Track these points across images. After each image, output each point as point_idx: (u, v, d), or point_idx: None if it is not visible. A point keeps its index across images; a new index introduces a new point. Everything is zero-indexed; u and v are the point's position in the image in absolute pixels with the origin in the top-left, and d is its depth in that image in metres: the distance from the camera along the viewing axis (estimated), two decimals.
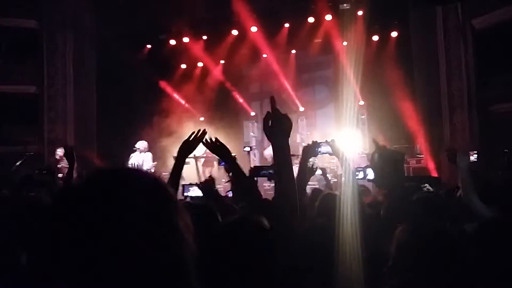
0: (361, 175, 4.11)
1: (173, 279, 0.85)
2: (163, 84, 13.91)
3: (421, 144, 11.53)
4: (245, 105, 14.86)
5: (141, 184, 0.90)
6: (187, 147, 2.83)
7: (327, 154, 3.73)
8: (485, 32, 10.90)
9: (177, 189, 2.87)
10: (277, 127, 2.10)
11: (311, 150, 3.50)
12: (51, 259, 0.83)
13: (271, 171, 3.66)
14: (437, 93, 11.68)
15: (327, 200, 2.91)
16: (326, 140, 3.53)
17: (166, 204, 0.89)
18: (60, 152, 9.61)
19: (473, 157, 5.27)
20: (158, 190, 0.91)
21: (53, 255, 0.82)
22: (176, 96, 14.03)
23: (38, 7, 12.59)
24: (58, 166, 9.23)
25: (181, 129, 12.89)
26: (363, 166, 5.19)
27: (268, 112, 2.12)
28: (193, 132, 2.83)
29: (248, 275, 1.56)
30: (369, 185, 7.54)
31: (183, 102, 14.14)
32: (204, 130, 2.84)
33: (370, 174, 3.90)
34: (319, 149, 3.59)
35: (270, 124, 2.11)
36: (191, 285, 0.88)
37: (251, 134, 14.45)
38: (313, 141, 3.64)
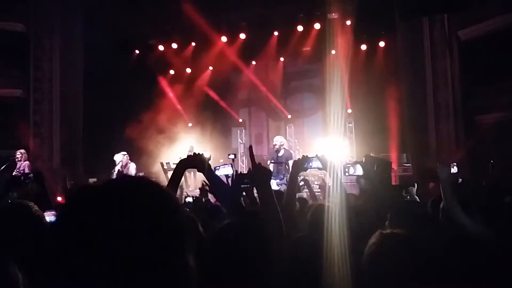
0: (351, 170, 4.13)
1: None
2: (151, 89, 13.86)
3: (408, 152, 11.63)
4: (233, 112, 14.89)
5: (149, 194, 0.88)
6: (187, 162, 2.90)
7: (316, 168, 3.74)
8: (471, 43, 11.08)
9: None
10: (259, 177, 2.45)
11: (300, 164, 3.51)
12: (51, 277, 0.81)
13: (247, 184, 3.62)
14: (423, 102, 11.81)
15: (319, 212, 2.91)
16: (317, 155, 3.54)
17: (172, 213, 0.88)
18: (19, 154, 9.95)
19: (454, 169, 5.32)
20: (163, 199, 0.90)
21: (53, 273, 0.80)
22: (164, 102, 13.98)
23: (26, 11, 12.48)
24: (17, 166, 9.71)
25: (169, 135, 12.87)
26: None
27: (249, 169, 2.60)
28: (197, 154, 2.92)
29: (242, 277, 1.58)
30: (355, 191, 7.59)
31: (171, 108, 14.09)
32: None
33: (359, 170, 3.92)
34: (310, 164, 3.59)
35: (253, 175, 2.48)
36: None
37: (239, 141, 14.47)
38: (303, 155, 3.64)
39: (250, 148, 2.56)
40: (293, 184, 3.41)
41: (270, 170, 2.47)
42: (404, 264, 1.75)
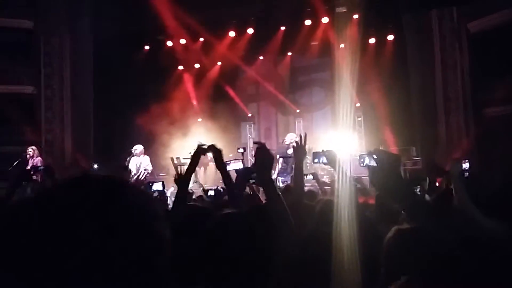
0: (366, 160, 4.15)
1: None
2: (161, 85, 13.92)
3: (417, 146, 11.61)
4: (243, 107, 14.91)
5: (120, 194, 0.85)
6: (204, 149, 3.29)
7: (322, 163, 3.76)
8: (480, 35, 11.00)
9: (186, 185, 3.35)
10: (260, 162, 2.39)
11: (300, 150, 3.46)
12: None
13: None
14: (432, 96, 11.76)
15: (327, 207, 2.94)
16: (323, 150, 3.55)
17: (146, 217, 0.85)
18: (30, 151, 10.10)
19: (466, 164, 5.31)
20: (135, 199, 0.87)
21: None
22: (174, 97, 14.03)
23: (34, 7, 12.59)
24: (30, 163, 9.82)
25: (179, 131, 12.93)
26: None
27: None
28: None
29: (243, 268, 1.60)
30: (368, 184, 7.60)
31: (181, 103, 14.14)
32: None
33: (373, 161, 3.92)
34: (321, 159, 3.62)
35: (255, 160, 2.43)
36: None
37: (248, 135, 14.50)
38: (300, 137, 3.56)
39: (259, 146, 2.45)
40: (299, 171, 3.36)
41: (272, 157, 2.40)
42: (421, 258, 1.78)
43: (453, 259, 1.86)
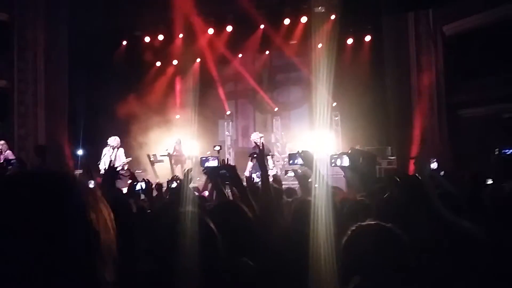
0: (338, 162, 4.21)
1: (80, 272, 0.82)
2: (138, 81, 13.80)
3: (393, 146, 11.78)
4: (220, 104, 14.87)
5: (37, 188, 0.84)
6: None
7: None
8: (455, 38, 11.23)
9: None
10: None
11: (261, 153, 3.66)
12: None
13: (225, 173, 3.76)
14: (408, 96, 11.95)
15: (302, 206, 2.97)
16: (298, 151, 3.60)
17: (67, 203, 0.85)
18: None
19: (434, 164, 5.41)
20: (58, 190, 0.86)
21: None
22: (151, 94, 13.91)
23: (9, 0, 12.28)
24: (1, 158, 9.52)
25: (155, 127, 12.84)
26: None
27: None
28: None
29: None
30: (343, 186, 7.67)
31: (158, 100, 14.03)
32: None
33: (345, 161, 4.00)
34: (296, 161, 3.68)
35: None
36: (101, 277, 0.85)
37: (226, 133, 14.49)
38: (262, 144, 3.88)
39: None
40: (264, 174, 3.49)
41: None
42: (375, 254, 1.79)
43: (408, 264, 1.85)
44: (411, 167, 11.11)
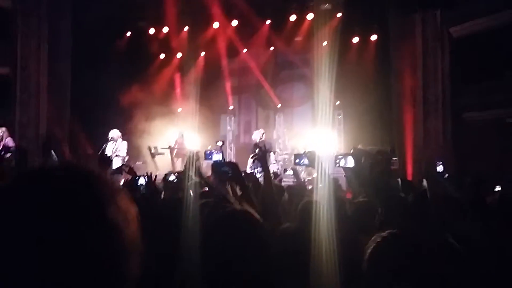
0: (342, 162, 4.17)
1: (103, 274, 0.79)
2: (141, 73, 13.73)
3: (394, 147, 11.71)
4: (223, 99, 14.81)
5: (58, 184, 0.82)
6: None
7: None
8: (462, 40, 11.14)
9: None
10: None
11: (263, 154, 3.66)
12: None
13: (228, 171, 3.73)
14: (412, 97, 11.88)
15: (306, 208, 2.92)
16: (305, 151, 3.59)
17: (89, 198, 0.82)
18: (0, 132, 9.73)
19: (440, 167, 5.35)
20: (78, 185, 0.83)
21: None
22: (154, 86, 13.85)
23: None
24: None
25: (157, 120, 12.78)
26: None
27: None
28: None
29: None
30: (342, 183, 7.64)
31: (161, 92, 13.98)
32: None
33: (350, 162, 3.96)
34: (302, 161, 3.67)
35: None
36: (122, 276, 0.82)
37: (228, 128, 14.43)
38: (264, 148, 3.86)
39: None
40: (266, 175, 3.50)
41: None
42: (406, 266, 1.76)
43: (435, 265, 1.83)
44: (409, 169, 11.15)
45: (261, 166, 3.65)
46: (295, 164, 4.37)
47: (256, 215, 1.81)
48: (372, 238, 1.85)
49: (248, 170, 9.76)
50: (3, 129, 9.94)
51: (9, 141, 9.72)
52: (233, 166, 3.59)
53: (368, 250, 1.82)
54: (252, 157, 4.52)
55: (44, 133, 11.62)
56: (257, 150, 9.35)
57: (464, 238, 2.53)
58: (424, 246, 1.84)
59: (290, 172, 6.43)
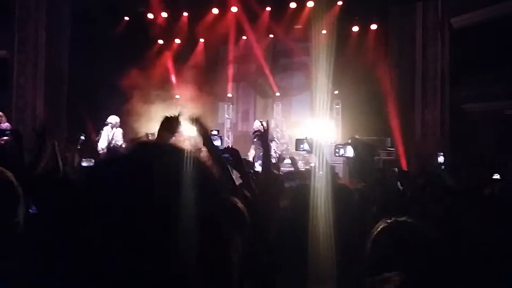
0: (341, 151, 4.19)
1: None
2: (138, 58, 13.63)
3: (393, 137, 11.72)
4: (222, 87, 14.74)
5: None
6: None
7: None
8: (462, 31, 11.09)
9: None
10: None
11: (264, 135, 3.54)
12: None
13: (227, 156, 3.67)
14: (411, 88, 11.86)
15: (301, 191, 2.91)
16: (306, 137, 3.57)
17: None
18: None
19: (440, 158, 5.38)
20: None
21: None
22: (151, 72, 13.77)
23: None
24: None
25: (155, 106, 12.72)
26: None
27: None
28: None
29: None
30: (340, 172, 7.64)
31: (158, 78, 13.90)
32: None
33: (349, 152, 3.98)
34: (302, 146, 3.67)
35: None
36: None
37: (226, 116, 14.38)
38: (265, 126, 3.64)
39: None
40: (266, 154, 3.41)
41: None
42: (408, 254, 1.76)
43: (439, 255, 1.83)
44: (407, 160, 11.17)
45: (262, 144, 3.57)
46: (296, 150, 4.39)
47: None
48: (377, 224, 1.85)
49: (252, 151, 9.77)
50: (1, 114, 9.88)
51: (7, 127, 9.66)
52: (234, 152, 3.54)
53: (373, 234, 1.82)
54: (253, 133, 4.41)
55: (40, 120, 11.51)
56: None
57: (459, 228, 2.54)
58: (427, 234, 1.84)
59: (288, 161, 6.40)
